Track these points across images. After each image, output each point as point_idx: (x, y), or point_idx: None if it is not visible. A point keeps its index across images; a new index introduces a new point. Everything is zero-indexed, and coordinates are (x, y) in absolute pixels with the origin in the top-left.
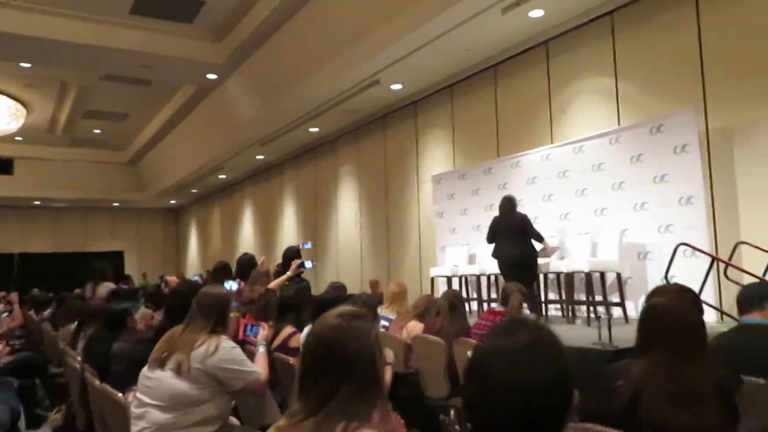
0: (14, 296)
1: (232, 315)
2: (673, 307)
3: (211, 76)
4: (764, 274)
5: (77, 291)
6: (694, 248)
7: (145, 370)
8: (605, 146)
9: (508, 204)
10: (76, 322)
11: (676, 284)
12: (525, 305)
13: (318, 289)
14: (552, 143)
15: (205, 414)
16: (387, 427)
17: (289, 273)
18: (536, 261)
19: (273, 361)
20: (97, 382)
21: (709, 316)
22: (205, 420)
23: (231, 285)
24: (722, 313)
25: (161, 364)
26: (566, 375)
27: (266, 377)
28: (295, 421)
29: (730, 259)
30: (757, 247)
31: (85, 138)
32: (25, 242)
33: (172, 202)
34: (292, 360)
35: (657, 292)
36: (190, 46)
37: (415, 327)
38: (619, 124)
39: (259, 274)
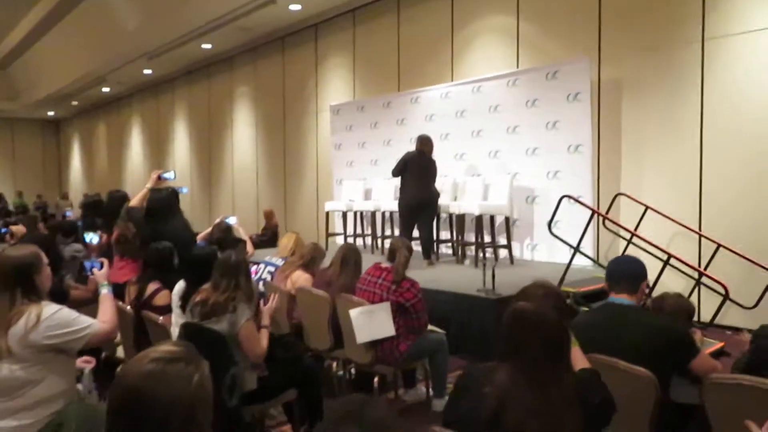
0: None
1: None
2: (535, 314)
3: None
4: (637, 227)
5: None
6: (576, 200)
7: None
8: (503, 88)
9: (428, 145)
10: None
11: (541, 286)
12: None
13: (210, 219)
14: (452, 80)
15: (40, 395)
16: None
17: (148, 185)
18: (437, 204)
19: (141, 320)
20: None
21: (586, 262)
22: (42, 400)
23: (92, 237)
24: (597, 263)
25: None
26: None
27: (112, 324)
28: None
29: (608, 209)
30: (633, 199)
31: None
32: None
33: (51, 113)
34: (161, 319)
35: (522, 295)
36: None
37: (299, 277)
38: (518, 66)
39: (136, 210)
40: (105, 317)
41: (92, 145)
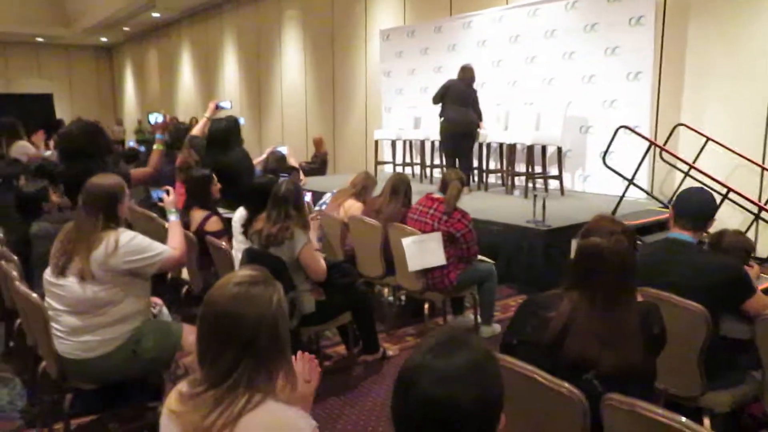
0: None
1: (154, 147)
2: (611, 251)
3: None
4: (695, 159)
5: None
6: (633, 131)
7: (47, 274)
8: (560, 11)
9: (469, 73)
10: None
11: (616, 222)
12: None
13: (261, 147)
14: (507, 4)
15: (121, 313)
16: (293, 388)
17: (207, 114)
18: (476, 132)
19: (203, 244)
20: (17, 284)
21: (639, 194)
22: (122, 318)
23: (156, 117)
24: (651, 196)
25: (62, 270)
26: (496, 403)
27: (181, 250)
28: (197, 391)
29: (667, 140)
30: (694, 130)
31: None
32: None
33: (104, 39)
34: (224, 244)
35: (595, 229)
36: None
37: (352, 206)
38: None
39: (198, 139)
40: (174, 243)
41: (144, 71)
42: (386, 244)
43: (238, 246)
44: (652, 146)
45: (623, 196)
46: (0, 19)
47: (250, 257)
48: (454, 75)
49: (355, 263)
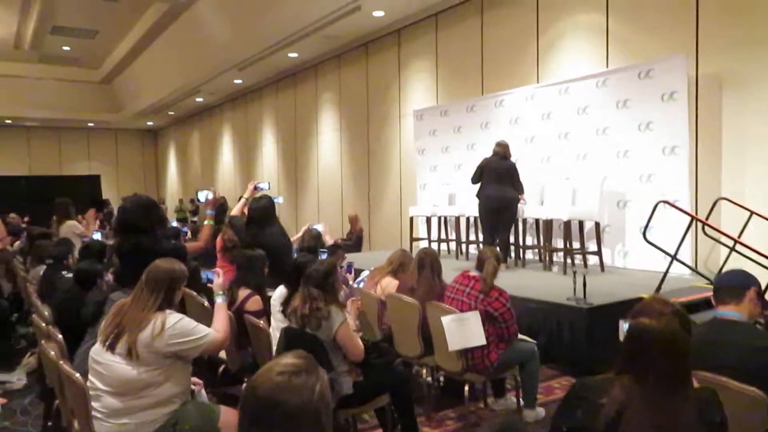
0: None
1: (205, 222)
2: (661, 333)
3: None
4: (741, 234)
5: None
6: (673, 206)
7: (95, 350)
8: (592, 89)
9: (505, 149)
10: (45, 266)
11: (666, 303)
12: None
13: (297, 225)
14: (538, 82)
15: (161, 396)
16: None
17: (246, 195)
18: (516, 207)
19: (242, 323)
20: (62, 363)
21: (683, 270)
22: (162, 401)
23: (207, 194)
24: (696, 272)
25: (111, 346)
26: None
27: (225, 333)
28: None
29: (709, 215)
30: (736, 204)
31: (54, 55)
32: None
33: (150, 123)
34: (262, 323)
35: (645, 310)
36: None
37: (389, 284)
38: (607, 66)
39: (237, 219)
40: (219, 326)
41: (186, 152)
42: (424, 322)
43: (276, 325)
44: (694, 221)
45: (667, 272)
46: (57, 107)
47: (287, 337)
48: (487, 152)
49: (392, 342)
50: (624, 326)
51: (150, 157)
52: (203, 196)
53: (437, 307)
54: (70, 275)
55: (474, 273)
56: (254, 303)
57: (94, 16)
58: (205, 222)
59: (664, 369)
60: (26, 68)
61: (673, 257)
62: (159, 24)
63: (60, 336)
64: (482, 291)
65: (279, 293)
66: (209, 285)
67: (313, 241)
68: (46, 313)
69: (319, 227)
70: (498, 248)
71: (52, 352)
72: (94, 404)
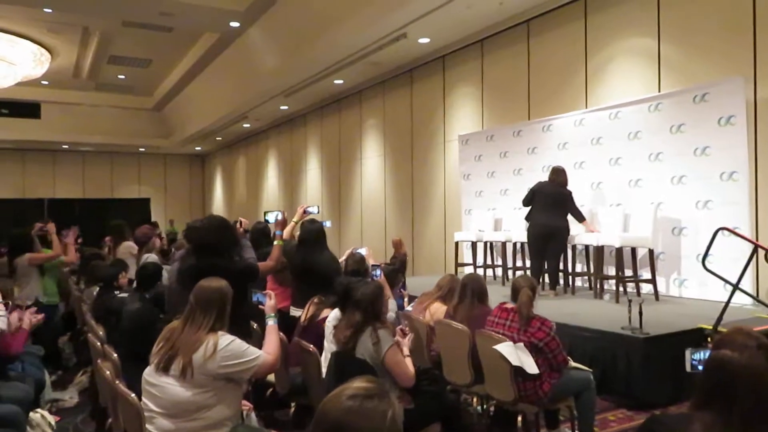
0: (51, 227)
1: (275, 243)
2: (744, 367)
3: (234, 24)
4: None
5: (100, 250)
6: (734, 233)
7: (148, 372)
8: (644, 114)
9: (560, 175)
10: (98, 287)
11: (751, 335)
12: (536, 296)
13: (340, 249)
14: (586, 107)
15: (212, 419)
16: None
17: (295, 219)
18: (567, 236)
19: (297, 342)
20: (117, 383)
21: (744, 299)
22: (213, 424)
23: (276, 215)
24: (758, 301)
25: (165, 368)
26: None
27: (276, 356)
28: None
29: None
30: None
31: (110, 83)
32: (54, 188)
33: (198, 149)
34: (311, 347)
35: (727, 341)
36: None
37: (438, 309)
38: (659, 90)
39: (287, 243)
40: (270, 349)
41: (233, 176)
42: (474, 349)
43: (329, 347)
44: (758, 248)
45: (729, 301)
46: (111, 133)
47: (337, 361)
48: (534, 177)
49: (441, 369)
50: (691, 356)
51: (197, 182)
52: (272, 217)
53: (487, 336)
54: (124, 295)
55: (510, 304)
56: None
57: (148, 47)
58: (276, 242)
59: (751, 406)
60: (83, 96)
61: (736, 286)
62: (209, 53)
63: (115, 355)
64: (521, 323)
65: (333, 315)
66: (260, 307)
67: (356, 266)
68: (101, 332)
69: (363, 251)
70: (546, 275)
71: (107, 372)
72: (147, 426)
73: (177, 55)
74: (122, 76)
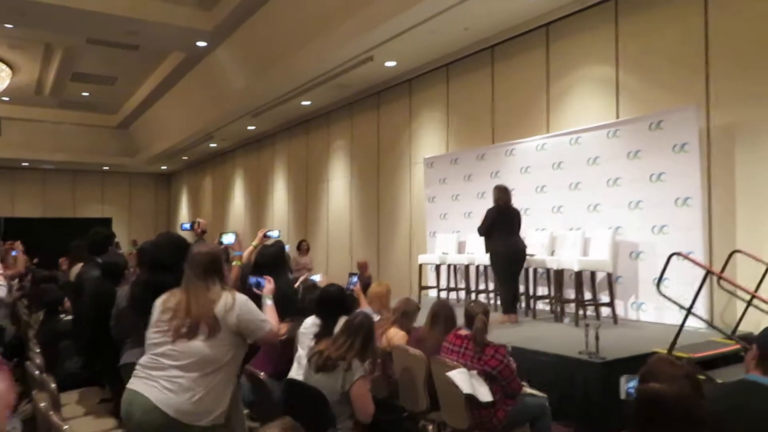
0: (18, 244)
1: (233, 263)
2: (677, 398)
3: (201, 44)
4: (758, 287)
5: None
6: (687, 258)
7: (161, 344)
8: (602, 139)
9: (509, 196)
10: (43, 312)
11: (677, 365)
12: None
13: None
14: (548, 132)
15: (228, 374)
16: None
17: (254, 242)
18: (524, 257)
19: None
20: (51, 414)
21: (698, 323)
22: (227, 382)
23: (231, 236)
24: (712, 326)
25: (188, 335)
26: None
27: (278, 328)
28: None
29: (724, 267)
30: (752, 257)
31: (73, 100)
32: (13, 206)
33: (164, 168)
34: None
35: (655, 373)
36: (179, 13)
37: (396, 335)
38: (618, 116)
39: (244, 266)
40: (273, 322)
41: (199, 196)
42: (430, 376)
43: (302, 353)
44: (709, 273)
45: (682, 326)
46: (74, 151)
47: (290, 388)
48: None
49: (397, 395)
50: (625, 385)
51: (162, 201)
52: (228, 239)
53: (442, 362)
54: (69, 318)
55: (465, 331)
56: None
57: (113, 64)
58: (233, 263)
59: None
60: (45, 113)
61: (689, 311)
62: (176, 71)
63: (53, 385)
64: (476, 349)
65: (311, 322)
66: (255, 290)
67: (305, 292)
68: (38, 360)
69: (317, 278)
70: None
71: (43, 404)
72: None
73: (143, 73)
74: (86, 94)
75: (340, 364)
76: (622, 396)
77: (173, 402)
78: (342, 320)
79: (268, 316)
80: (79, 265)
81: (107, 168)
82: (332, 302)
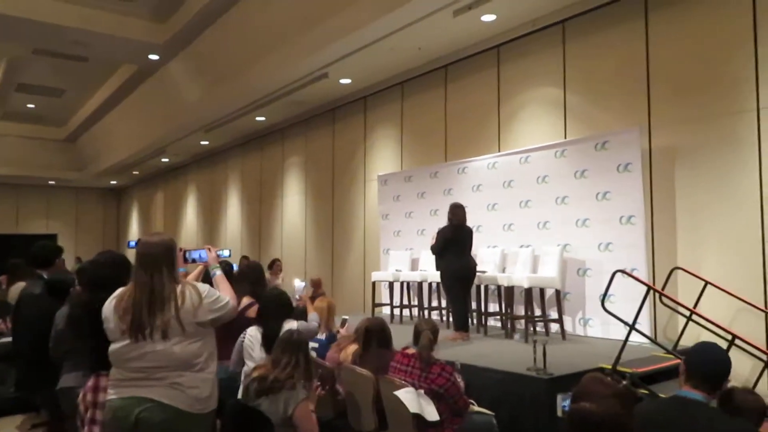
0: None
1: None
2: (606, 417)
3: (153, 57)
4: (696, 303)
5: None
6: (629, 275)
7: (126, 346)
8: (551, 159)
9: (464, 214)
10: None
11: (607, 384)
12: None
13: None
14: (499, 151)
15: (209, 365)
16: None
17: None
18: (475, 274)
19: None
20: None
21: (643, 338)
22: (210, 371)
23: (201, 253)
24: (654, 342)
25: (151, 335)
26: None
27: (235, 300)
28: None
29: (665, 284)
30: (691, 274)
31: (18, 112)
32: None
33: (113, 182)
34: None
35: (585, 392)
36: (130, 25)
37: (353, 352)
38: (565, 136)
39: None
40: (229, 294)
41: (150, 212)
42: (378, 395)
43: (249, 365)
44: (651, 290)
45: (626, 342)
46: (18, 164)
47: (233, 412)
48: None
49: (345, 415)
50: (561, 402)
51: (111, 217)
52: (200, 254)
53: (390, 381)
54: (6, 340)
55: (412, 350)
56: (254, 311)
57: (61, 76)
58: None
59: None
60: None
61: (632, 327)
62: (127, 84)
63: None
64: (423, 367)
65: (256, 332)
66: (196, 262)
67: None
68: None
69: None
70: (457, 317)
71: None
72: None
73: (93, 85)
74: (32, 105)
75: (287, 384)
76: (559, 413)
77: (182, 398)
78: (287, 324)
79: (222, 289)
80: (21, 283)
81: (53, 182)
82: (275, 306)
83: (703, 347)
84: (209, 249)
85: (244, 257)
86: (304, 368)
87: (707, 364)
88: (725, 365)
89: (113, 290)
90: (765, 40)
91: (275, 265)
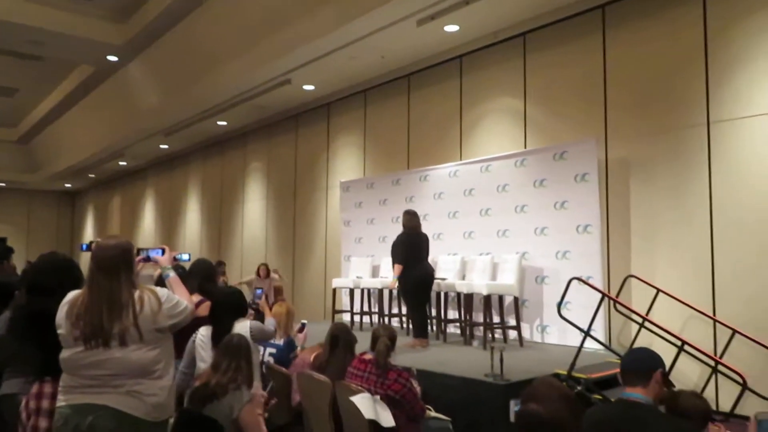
0: None
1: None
2: (551, 419)
3: (112, 58)
4: (648, 311)
5: None
6: (585, 283)
7: (78, 353)
8: (511, 168)
9: (419, 221)
10: None
11: (553, 386)
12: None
13: None
14: (461, 159)
15: (167, 372)
16: None
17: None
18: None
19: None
20: None
21: (599, 345)
22: (168, 377)
23: (159, 252)
24: (609, 348)
25: (105, 342)
26: None
27: (192, 303)
28: None
29: (619, 292)
30: (644, 282)
31: None
32: None
33: (68, 185)
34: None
35: (534, 394)
36: (89, 25)
37: (317, 354)
38: (525, 146)
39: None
40: (185, 298)
41: (106, 216)
42: (335, 402)
43: (204, 366)
44: (606, 297)
45: (581, 348)
46: None
47: (183, 420)
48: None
49: (302, 423)
50: (514, 407)
51: (65, 221)
52: (156, 253)
53: (346, 387)
54: None
55: (369, 356)
56: (204, 308)
57: (14, 75)
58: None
59: None
60: None
61: (587, 333)
62: (84, 85)
63: None
64: (379, 373)
65: (207, 332)
66: (152, 258)
67: None
68: None
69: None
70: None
71: None
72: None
73: (48, 85)
74: None
75: (230, 388)
76: (512, 418)
77: (140, 405)
78: (237, 325)
79: (178, 292)
80: None
81: (4, 184)
82: (227, 304)
83: (633, 349)
84: (166, 249)
85: (263, 264)
86: (247, 371)
87: (635, 361)
88: (653, 359)
89: (54, 294)
90: (715, 57)
91: (218, 269)
